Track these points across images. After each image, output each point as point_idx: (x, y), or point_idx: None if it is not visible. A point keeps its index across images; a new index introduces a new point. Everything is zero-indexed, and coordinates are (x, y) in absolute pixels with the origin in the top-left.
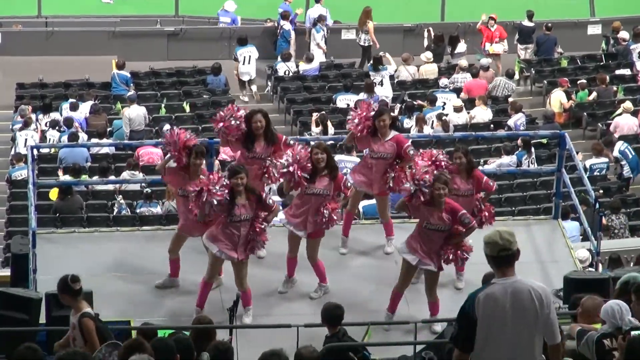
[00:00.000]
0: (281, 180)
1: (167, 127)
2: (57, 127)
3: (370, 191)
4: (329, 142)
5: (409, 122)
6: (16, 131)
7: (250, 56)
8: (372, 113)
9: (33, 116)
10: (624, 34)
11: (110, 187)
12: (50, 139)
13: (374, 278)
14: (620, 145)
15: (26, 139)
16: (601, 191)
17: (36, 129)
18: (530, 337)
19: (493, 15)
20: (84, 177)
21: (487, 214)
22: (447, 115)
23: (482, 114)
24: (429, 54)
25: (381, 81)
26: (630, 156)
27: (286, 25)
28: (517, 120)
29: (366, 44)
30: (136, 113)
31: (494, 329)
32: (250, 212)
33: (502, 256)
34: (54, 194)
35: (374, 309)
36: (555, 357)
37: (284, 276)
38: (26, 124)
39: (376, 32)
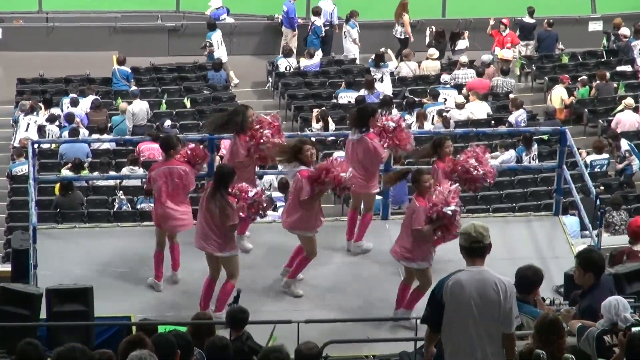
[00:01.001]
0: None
1: (167, 122)
2: (55, 122)
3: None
4: (330, 138)
5: (409, 118)
6: (20, 115)
7: (221, 39)
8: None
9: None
10: (624, 31)
11: (111, 182)
12: (49, 134)
13: (373, 274)
14: (626, 142)
15: (29, 124)
16: (602, 187)
17: (39, 111)
18: (494, 323)
19: (505, 20)
20: (84, 172)
21: None
22: (448, 111)
23: (478, 107)
24: (433, 51)
25: (381, 77)
26: (638, 151)
27: (317, 21)
28: (517, 116)
29: (402, 37)
30: (139, 108)
31: (459, 312)
32: None
33: (474, 248)
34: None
35: (364, 306)
36: (509, 345)
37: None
38: (32, 109)
39: (377, 28)
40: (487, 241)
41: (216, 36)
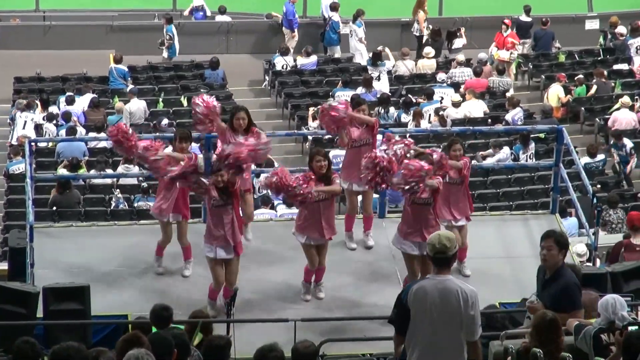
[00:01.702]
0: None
1: (165, 121)
2: (53, 121)
3: (360, 184)
4: (327, 137)
5: (406, 117)
6: (17, 113)
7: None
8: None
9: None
10: (621, 29)
11: (108, 181)
12: (46, 133)
13: (369, 273)
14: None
15: (26, 121)
16: (598, 186)
17: (36, 108)
18: (455, 330)
19: (507, 20)
20: (82, 171)
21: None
22: (444, 109)
23: (475, 106)
24: (429, 49)
25: (378, 76)
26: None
27: (335, 16)
28: (514, 115)
29: (419, 34)
30: (137, 107)
31: (421, 318)
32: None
33: (438, 258)
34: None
35: (361, 304)
36: (473, 352)
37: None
38: (28, 106)
39: (373, 26)
40: (450, 252)
41: (174, 30)
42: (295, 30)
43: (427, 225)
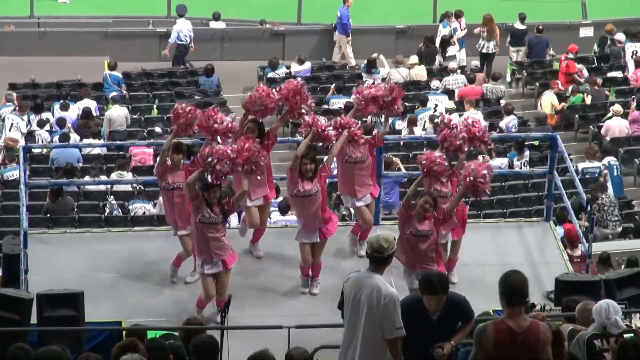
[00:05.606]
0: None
1: (159, 129)
2: (45, 127)
3: (355, 198)
4: (320, 144)
5: (400, 124)
6: (6, 112)
7: None
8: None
9: (20, 117)
10: (620, 36)
11: (102, 187)
12: (39, 139)
13: None
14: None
15: (12, 124)
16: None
17: (26, 114)
18: (371, 324)
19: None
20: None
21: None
22: (438, 117)
23: (473, 117)
24: (414, 57)
25: (373, 83)
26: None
27: (454, 23)
28: (508, 122)
29: (491, 52)
30: (117, 113)
31: (347, 305)
32: (219, 216)
33: (374, 256)
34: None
35: None
36: (391, 348)
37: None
38: (20, 108)
39: (367, 33)
40: (386, 253)
41: None
42: (350, 35)
43: (424, 258)
